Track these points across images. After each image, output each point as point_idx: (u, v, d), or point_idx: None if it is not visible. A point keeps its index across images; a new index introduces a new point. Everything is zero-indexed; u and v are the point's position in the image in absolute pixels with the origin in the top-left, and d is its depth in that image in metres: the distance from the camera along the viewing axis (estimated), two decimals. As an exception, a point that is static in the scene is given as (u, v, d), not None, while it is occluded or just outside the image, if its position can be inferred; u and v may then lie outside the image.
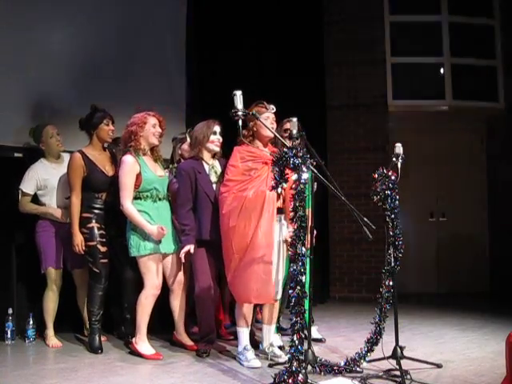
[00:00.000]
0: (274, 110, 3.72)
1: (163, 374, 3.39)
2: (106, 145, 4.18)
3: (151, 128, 3.85)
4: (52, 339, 4.13)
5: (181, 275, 3.96)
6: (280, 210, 3.66)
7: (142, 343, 3.82)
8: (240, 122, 3.10)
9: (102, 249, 3.98)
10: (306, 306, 4.13)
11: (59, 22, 4.64)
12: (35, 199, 4.21)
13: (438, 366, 3.47)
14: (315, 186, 4.14)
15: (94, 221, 3.98)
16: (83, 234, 3.96)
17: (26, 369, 3.49)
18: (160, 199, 3.85)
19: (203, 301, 3.80)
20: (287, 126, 4.23)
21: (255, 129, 3.71)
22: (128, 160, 3.76)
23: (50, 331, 4.17)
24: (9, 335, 4.11)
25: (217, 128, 3.89)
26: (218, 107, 3.90)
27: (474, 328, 4.77)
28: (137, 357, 3.79)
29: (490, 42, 6.96)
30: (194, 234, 3.74)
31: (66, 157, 4.23)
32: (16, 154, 4.33)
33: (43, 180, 4.16)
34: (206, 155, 3.89)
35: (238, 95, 3.03)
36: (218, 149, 3.90)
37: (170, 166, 4.42)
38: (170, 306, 4.05)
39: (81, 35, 4.74)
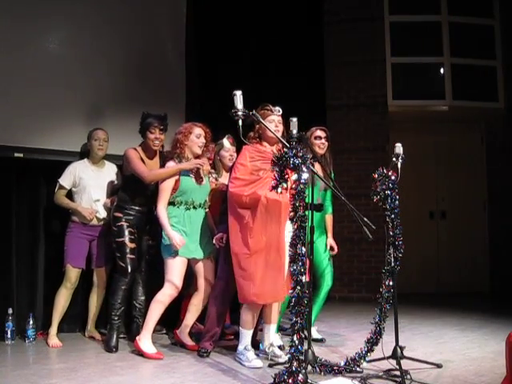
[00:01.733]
0: (281, 112, 3.72)
1: (163, 374, 3.39)
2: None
3: (195, 138, 3.96)
4: (53, 338, 4.14)
5: (211, 276, 4.00)
6: None
7: (146, 341, 3.84)
8: (240, 122, 3.10)
9: (131, 245, 4.06)
10: (319, 304, 4.18)
11: (58, 21, 4.64)
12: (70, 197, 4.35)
13: (438, 366, 3.47)
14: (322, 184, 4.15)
15: (123, 220, 4.07)
16: (112, 232, 4.09)
17: (26, 369, 3.49)
18: (195, 207, 3.94)
19: (219, 295, 3.83)
20: (318, 133, 4.27)
21: (261, 131, 3.72)
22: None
23: (54, 330, 4.18)
24: (9, 335, 4.12)
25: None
26: (217, 107, 3.90)
27: (473, 328, 4.77)
28: (137, 356, 3.79)
29: (490, 42, 6.97)
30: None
31: (108, 165, 4.45)
32: (16, 154, 4.33)
33: (79, 178, 4.29)
34: None
35: (238, 95, 3.03)
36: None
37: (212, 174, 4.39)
38: (187, 304, 4.09)
39: (78, 36, 4.72)
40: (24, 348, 4.08)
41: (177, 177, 3.88)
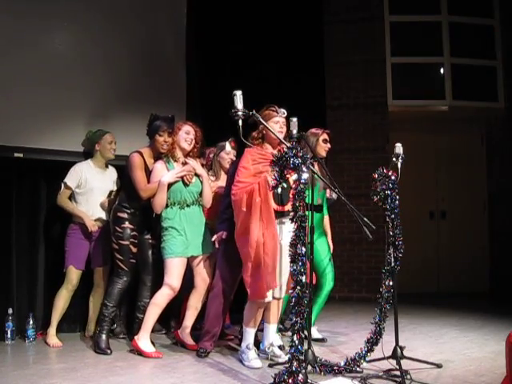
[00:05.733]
0: (285, 114, 3.71)
1: (163, 374, 3.39)
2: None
3: (184, 134, 4.01)
4: (53, 338, 4.14)
5: (208, 277, 4.02)
6: (282, 213, 3.64)
7: (144, 340, 3.84)
8: (240, 122, 3.10)
9: (133, 249, 4.06)
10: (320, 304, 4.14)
11: (57, 21, 4.63)
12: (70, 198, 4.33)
13: (438, 366, 3.47)
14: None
15: (127, 222, 4.04)
16: (116, 233, 4.04)
17: (26, 369, 3.49)
18: (188, 205, 3.96)
19: (218, 292, 3.84)
20: (325, 136, 4.30)
21: (265, 131, 3.71)
22: (156, 166, 4.00)
23: (53, 330, 4.17)
24: (9, 335, 4.12)
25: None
26: (218, 107, 3.90)
27: (473, 328, 4.77)
28: (137, 356, 3.79)
29: (490, 42, 6.97)
30: (229, 223, 3.76)
31: (110, 168, 4.48)
32: (16, 154, 4.33)
33: (85, 179, 4.28)
34: None
35: (238, 95, 3.04)
36: None
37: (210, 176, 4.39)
38: (185, 302, 4.10)
39: (78, 35, 4.72)
40: (24, 348, 4.08)
41: None
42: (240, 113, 3.04)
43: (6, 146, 4.28)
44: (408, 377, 3.16)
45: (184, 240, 3.90)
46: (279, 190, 3.10)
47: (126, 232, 4.04)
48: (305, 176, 2.92)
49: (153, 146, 4.08)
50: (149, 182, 3.98)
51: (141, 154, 4.03)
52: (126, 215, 4.06)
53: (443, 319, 5.21)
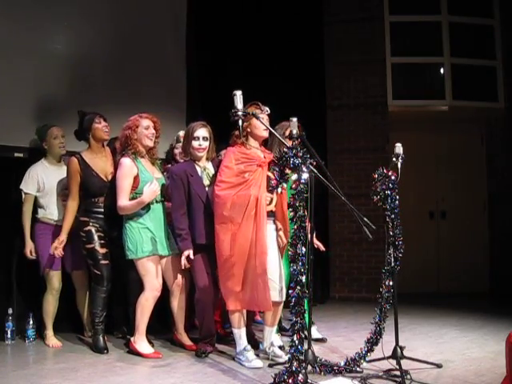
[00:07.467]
0: (269, 111, 3.71)
1: (163, 374, 3.39)
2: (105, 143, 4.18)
3: (144, 130, 3.87)
4: (52, 339, 4.14)
5: (179, 276, 3.97)
6: (269, 214, 3.64)
7: (141, 342, 3.83)
8: (240, 122, 3.10)
9: (102, 250, 3.96)
10: (306, 306, 4.13)
11: (60, 22, 4.64)
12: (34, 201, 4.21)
13: (438, 366, 3.47)
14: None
15: (91, 223, 3.97)
16: (81, 238, 3.98)
17: (26, 369, 3.49)
18: (157, 201, 3.87)
19: (203, 305, 3.80)
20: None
21: (249, 129, 3.69)
22: (125, 162, 3.80)
23: (50, 332, 4.17)
24: (9, 335, 4.11)
25: (199, 133, 3.84)
26: (218, 107, 3.90)
27: (473, 328, 4.77)
28: (137, 356, 3.79)
29: (490, 42, 6.96)
30: (191, 238, 3.74)
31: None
32: (16, 154, 4.33)
33: (43, 182, 4.16)
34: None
35: (238, 95, 3.04)
36: (200, 154, 3.86)
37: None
38: (170, 307, 4.06)
39: (80, 36, 4.74)
40: (24, 348, 4.08)
41: (135, 173, 3.78)
42: (240, 113, 3.04)
43: (6, 146, 4.28)
44: (408, 377, 3.17)
45: (153, 237, 3.80)
46: (279, 189, 3.10)
47: (90, 234, 3.95)
48: (305, 176, 2.92)
49: (94, 138, 4.01)
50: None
51: (80, 157, 3.95)
52: (88, 218, 3.97)
53: (443, 319, 5.21)
